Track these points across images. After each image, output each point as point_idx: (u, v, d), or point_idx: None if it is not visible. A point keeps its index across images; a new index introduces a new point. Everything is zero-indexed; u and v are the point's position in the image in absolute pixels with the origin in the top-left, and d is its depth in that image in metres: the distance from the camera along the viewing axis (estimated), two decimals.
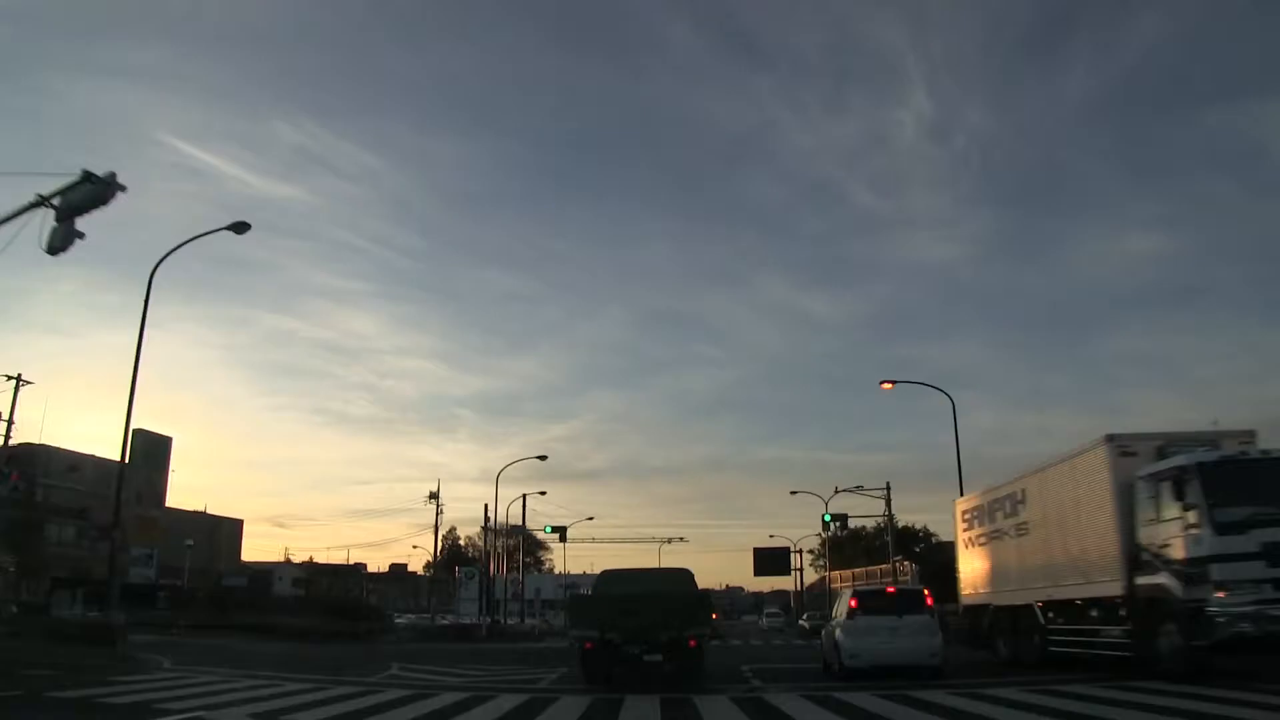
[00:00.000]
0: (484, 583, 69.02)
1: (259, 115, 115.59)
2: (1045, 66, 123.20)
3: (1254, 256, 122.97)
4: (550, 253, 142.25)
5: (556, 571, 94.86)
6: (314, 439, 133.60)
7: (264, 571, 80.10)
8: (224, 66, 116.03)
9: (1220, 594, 10.73)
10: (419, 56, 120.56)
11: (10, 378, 34.07)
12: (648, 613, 13.84)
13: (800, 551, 70.76)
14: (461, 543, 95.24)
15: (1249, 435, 13.62)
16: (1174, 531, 11.72)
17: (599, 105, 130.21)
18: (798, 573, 71.21)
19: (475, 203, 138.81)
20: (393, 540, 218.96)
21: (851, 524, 57.54)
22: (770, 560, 68.01)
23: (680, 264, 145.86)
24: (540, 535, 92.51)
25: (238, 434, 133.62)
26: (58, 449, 55.26)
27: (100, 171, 14.04)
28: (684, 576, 16.14)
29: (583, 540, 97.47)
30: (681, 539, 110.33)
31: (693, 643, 13.87)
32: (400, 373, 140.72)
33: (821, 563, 69.23)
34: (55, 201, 13.85)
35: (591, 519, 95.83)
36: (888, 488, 46.00)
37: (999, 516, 18.37)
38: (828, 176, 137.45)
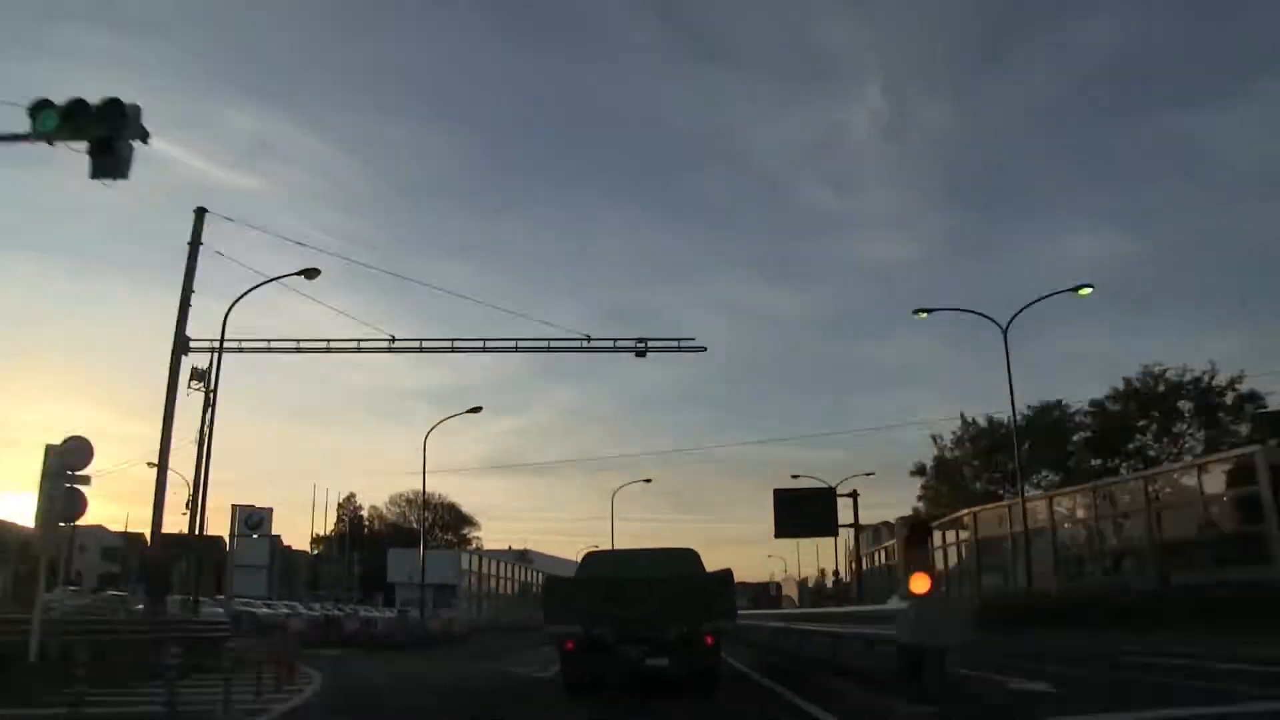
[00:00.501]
0: (351, 561, 61.79)
1: (211, 102, 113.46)
2: (999, 67, 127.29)
3: (1206, 261, 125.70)
4: (505, 244, 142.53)
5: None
6: (266, 429, 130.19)
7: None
8: (175, 52, 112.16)
9: None
10: (373, 44, 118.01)
11: None
12: (651, 600, 10.36)
13: (855, 496, 41.36)
14: (365, 514, 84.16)
15: None
16: None
17: (555, 97, 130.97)
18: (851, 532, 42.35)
19: (430, 193, 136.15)
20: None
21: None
22: (801, 509, 39.54)
23: (635, 258, 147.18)
24: (465, 509, 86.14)
25: (191, 424, 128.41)
26: None
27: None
28: (689, 556, 12.61)
29: (530, 533, 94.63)
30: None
31: (710, 640, 10.40)
32: (353, 364, 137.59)
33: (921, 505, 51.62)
34: None
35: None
36: None
37: None
38: (782, 173, 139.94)
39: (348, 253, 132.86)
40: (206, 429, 21.45)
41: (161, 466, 19.30)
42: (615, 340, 26.37)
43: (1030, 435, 42.28)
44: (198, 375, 22.06)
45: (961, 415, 49.95)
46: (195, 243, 20.81)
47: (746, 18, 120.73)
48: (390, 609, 48.12)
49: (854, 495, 40.80)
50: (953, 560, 42.31)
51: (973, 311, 32.10)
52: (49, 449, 10.78)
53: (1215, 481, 25.42)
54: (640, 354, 25.25)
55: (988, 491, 45.92)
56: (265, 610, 35.33)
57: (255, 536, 53.84)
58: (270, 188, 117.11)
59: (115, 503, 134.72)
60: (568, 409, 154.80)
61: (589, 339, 25.87)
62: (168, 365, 19.98)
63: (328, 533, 69.46)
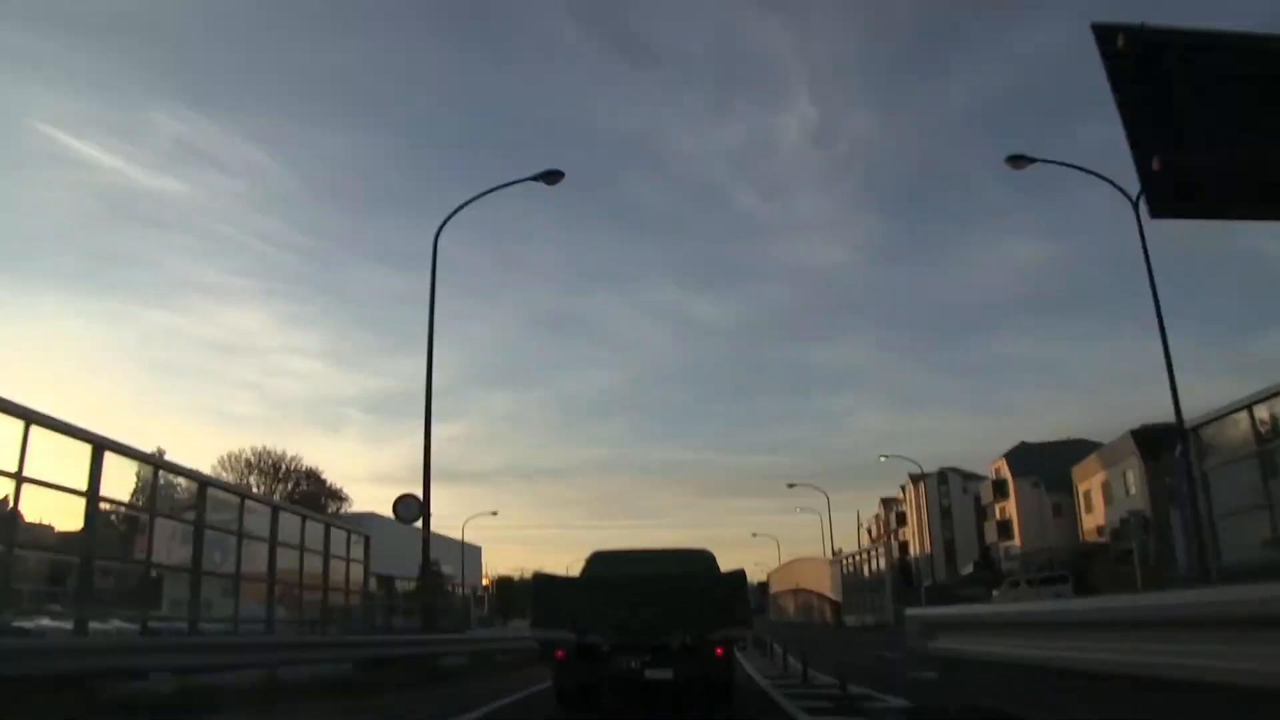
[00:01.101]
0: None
1: (137, 105, 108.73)
2: (928, 74, 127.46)
3: (1127, 266, 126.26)
4: (438, 251, 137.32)
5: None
6: (196, 439, 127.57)
7: None
8: (101, 54, 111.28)
9: None
10: (303, 48, 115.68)
11: None
12: (652, 605, 9.13)
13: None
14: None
15: None
16: None
17: (485, 102, 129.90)
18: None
19: (361, 199, 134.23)
20: None
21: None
22: None
23: (567, 264, 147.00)
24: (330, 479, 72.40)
25: (118, 431, 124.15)
26: None
27: None
28: (702, 558, 11.39)
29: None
30: None
31: (719, 651, 9.16)
32: (286, 371, 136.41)
33: None
34: None
35: (495, 514, 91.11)
36: None
37: None
38: (713, 179, 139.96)
39: (280, 259, 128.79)
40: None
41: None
42: None
43: None
44: None
45: None
46: None
47: (676, 24, 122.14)
48: None
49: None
50: None
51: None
52: None
53: None
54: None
55: None
56: None
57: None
58: (198, 193, 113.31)
59: None
60: (501, 416, 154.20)
61: None
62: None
63: None
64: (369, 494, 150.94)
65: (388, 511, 22.15)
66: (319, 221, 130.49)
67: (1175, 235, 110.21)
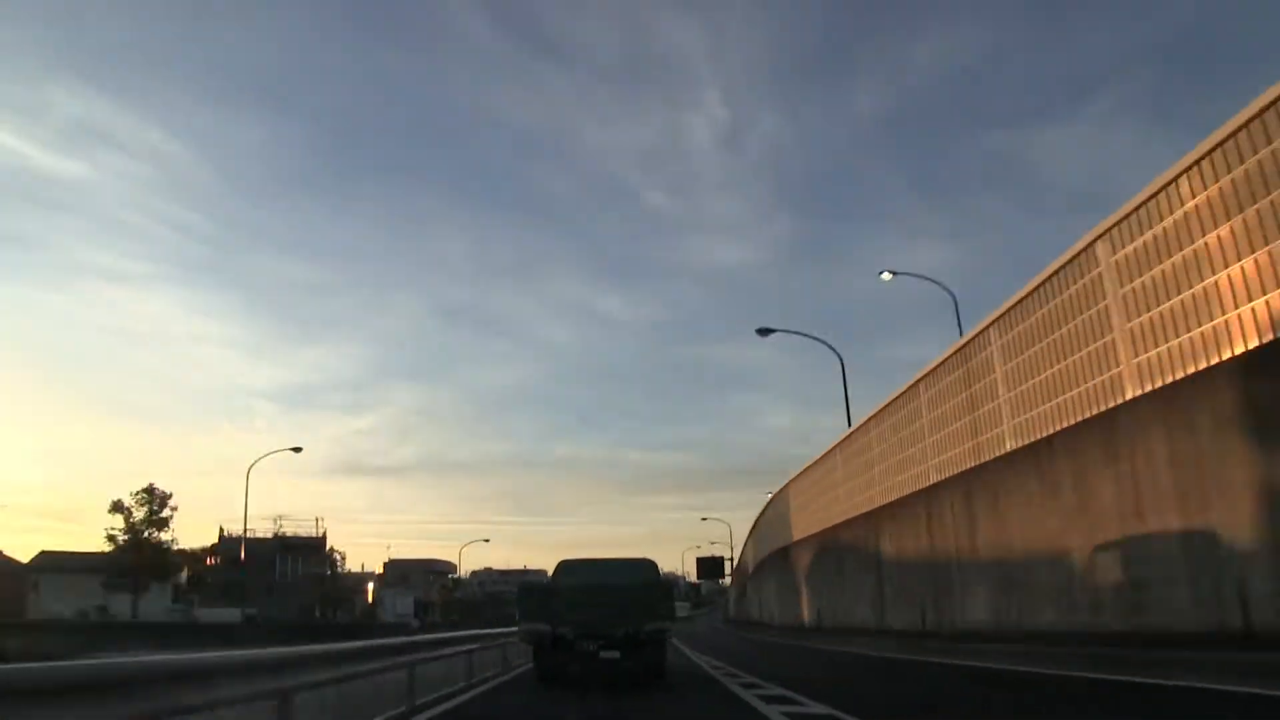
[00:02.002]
0: None
1: (34, 81, 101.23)
2: (836, 79, 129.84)
3: (1029, 273, 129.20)
4: (345, 242, 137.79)
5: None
6: (102, 429, 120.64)
7: None
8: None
9: None
10: (209, 32, 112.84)
11: None
12: (603, 605, 12.68)
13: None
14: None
15: None
16: None
17: (393, 92, 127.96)
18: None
19: (267, 187, 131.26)
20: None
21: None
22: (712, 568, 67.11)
23: (475, 258, 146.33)
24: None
25: (17, 423, 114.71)
26: None
27: None
28: (646, 566, 14.96)
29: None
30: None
31: (650, 638, 12.76)
32: (194, 361, 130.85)
33: None
34: None
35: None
36: None
37: None
38: (623, 177, 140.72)
39: (182, 245, 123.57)
40: None
41: None
42: None
43: None
44: None
45: None
46: None
47: (586, 20, 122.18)
48: None
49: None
50: None
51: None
52: None
53: None
54: None
55: None
56: None
57: None
58: (99, 176, 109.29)
59: None
60: (412, 409, 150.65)
61: None
62: None
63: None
64: None
65: None
66: (226, 208, 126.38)
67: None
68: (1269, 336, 8.99)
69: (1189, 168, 10.42)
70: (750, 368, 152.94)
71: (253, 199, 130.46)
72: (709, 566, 67.01)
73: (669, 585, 13.85)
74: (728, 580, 73.42)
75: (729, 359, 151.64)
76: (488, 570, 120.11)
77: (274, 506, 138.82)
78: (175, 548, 58.86)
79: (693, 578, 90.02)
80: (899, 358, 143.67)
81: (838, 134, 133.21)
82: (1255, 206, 9.24)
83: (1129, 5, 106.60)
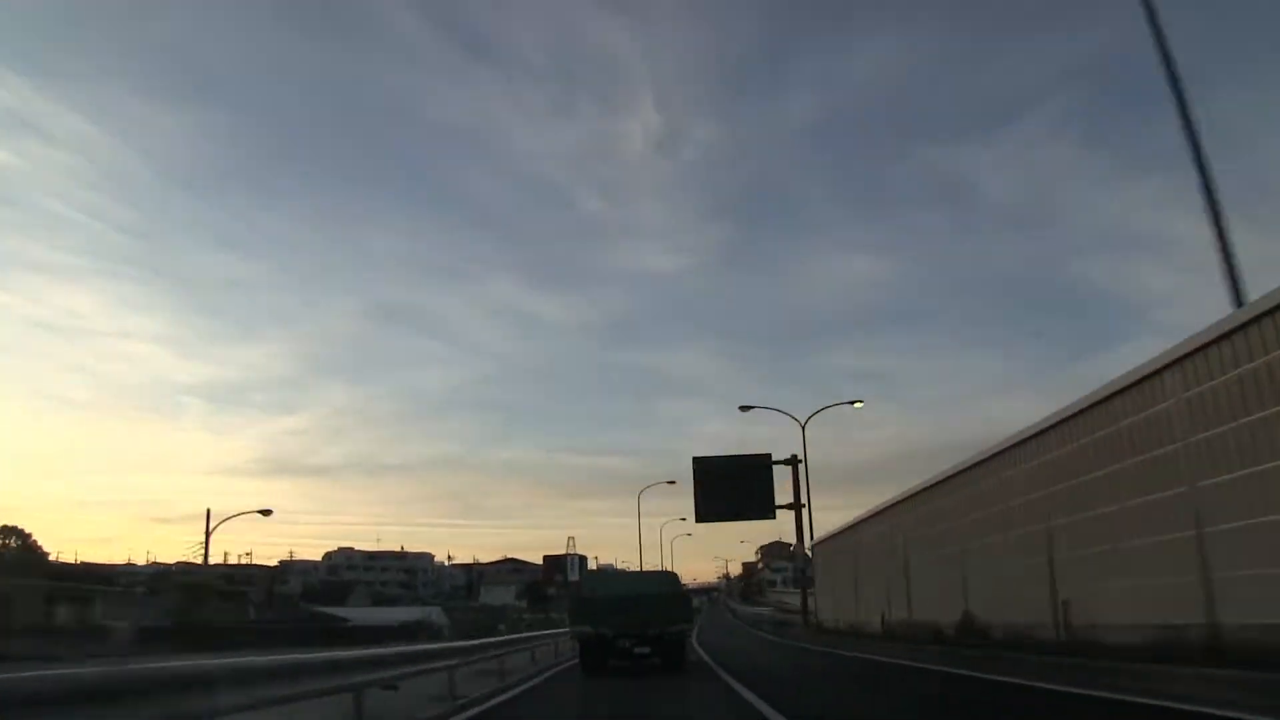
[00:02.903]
0: None
1: None
2: (769, 88, 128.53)
3: (962, 288, 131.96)
4: (276, 237, 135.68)
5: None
6: (29, 424, 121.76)
7: None
8: None
9: None
10: (139, 22, 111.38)
11: None
12: (637, 611, 15.97)
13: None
14: None
15: None
16: None
17: (326, 87, 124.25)
18: None
19: (198, 181, 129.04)
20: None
21: None
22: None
23: (409, 257, 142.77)
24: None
25: None
26: None
27: None
28: (670, 578, 18.29)
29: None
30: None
31: (674, 637, 16.02)
32: (121, 356, 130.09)
33: None
34: None
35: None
36: None
37: None
38: (555, 180, 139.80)
39: (113, 238, 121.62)
40: None
41: None
42: None
43: None
44: None
45: None
46: None
47: (517, 20, 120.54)
48: None
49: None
50: None
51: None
52: None
53: None
54: None
55: None
56: None
57: None
58: (21, 164, 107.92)
59: None
60: (343, 409, 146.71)
61: None
62: None
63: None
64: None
65: None
66: (155, 201, 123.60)
67: (1016, 261, 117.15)
68: None
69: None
70: (685, 374, 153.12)
71: (182, 192, 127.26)
72: None
73: (688, 594, 17.18)
74: None
75: (663, 365, 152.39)
76: (345, 551, 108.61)
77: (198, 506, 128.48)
78: None
79: None
80: (832, 365, 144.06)
81: (771, 143, 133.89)
82: None
83: (1060, 25, 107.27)
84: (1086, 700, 9.07)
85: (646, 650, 15.83)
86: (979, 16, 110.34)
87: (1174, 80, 12.93)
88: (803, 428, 37.28)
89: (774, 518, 38.06)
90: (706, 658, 19.96)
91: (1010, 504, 17.46)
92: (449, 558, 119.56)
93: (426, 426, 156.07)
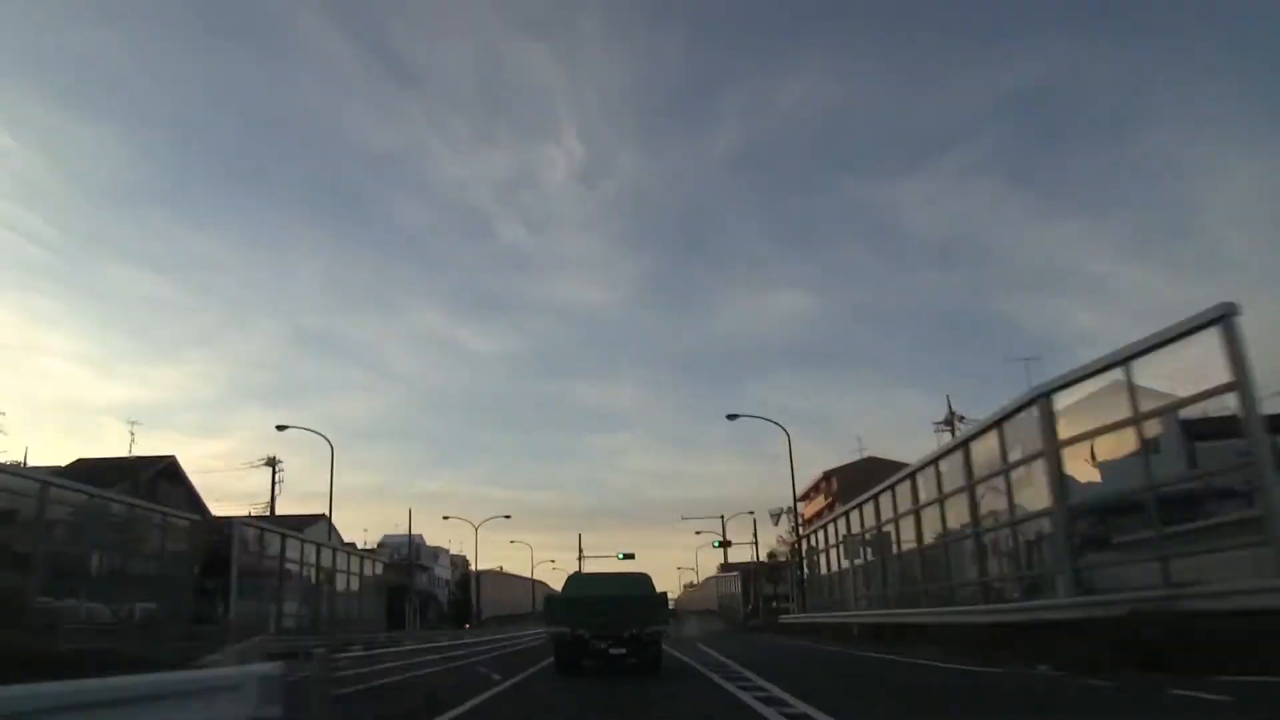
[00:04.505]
0: None
1: None
2: (695, 120, 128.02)
3: (890, 322, 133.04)
4: (199, 258, 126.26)
5: None
6: None
7: None
8: None
9: None
10: (55, 29, 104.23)
11: None
12: (613, 612, 16.04)
13: None
14: None
15: None
16: None
17: (250, 110, 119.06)
18: None
19: (117, 196, 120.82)
20: None
21: None
22: None
23: (331, 282, 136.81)
24: None
25: None
26: None
27: None
28: (644, 579, 18.37)
29: None
30: None
31: (649, 637, 16.12)
32: (34, 374, 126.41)
33: None
34: None
35: None
36: None
37: None
38: (479, 208, 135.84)
39: (25, 251, 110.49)
40: None
41: None
42: None
43: None
44: None
45: None
46: None
47: (439, 44, 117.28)
48: None
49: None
50: None
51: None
52: None
53: None
54: None
55: None
56: None
57: None
58: None
59: None
60: (268, 436, 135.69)
61: None
62: None
63: None
64: None
65: None
66: (72, 215, 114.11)
67: (943, 297, 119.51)
68: None
69: None
70: (615, 407, 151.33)
71: (101, 207, 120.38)
72: None
73: (663, 596, 17.25)
74: None
75: (592, 397, 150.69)
76: None
77: None
78: None
79: None
80: (761, 399, 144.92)
81: (698, 175, 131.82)
82: None
83: (986, 62, 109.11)
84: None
85: (622, 651, 15.89)
86: (907, 52, 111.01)
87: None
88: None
89: None
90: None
91: None
92: None
93: (350, 455, 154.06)
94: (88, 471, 36.10)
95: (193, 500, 43.29)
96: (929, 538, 23.13)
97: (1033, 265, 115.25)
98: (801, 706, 9.57)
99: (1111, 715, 8.81)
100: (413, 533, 67.87)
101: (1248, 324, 11.25)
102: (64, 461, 42.90)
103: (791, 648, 26.48)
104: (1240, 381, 11.21)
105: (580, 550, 45.83)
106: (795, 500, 49.29)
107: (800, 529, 50.34)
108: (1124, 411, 13.67)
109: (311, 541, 33.30)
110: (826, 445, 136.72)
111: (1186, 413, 13.36)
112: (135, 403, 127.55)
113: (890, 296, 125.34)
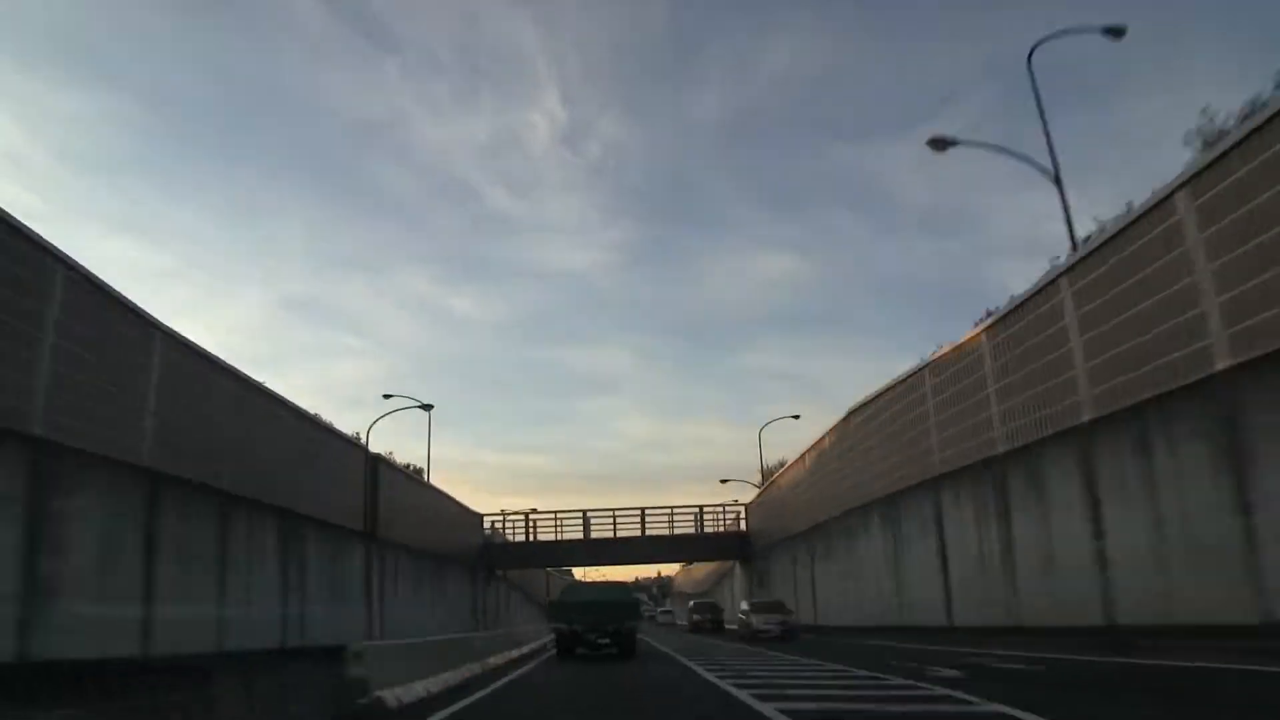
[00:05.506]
0: None
1: None
2: (678, 84, 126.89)
3: (879, 288, 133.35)
4: (182, 227, 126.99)
5: None
6: None
7: None
8: None
9: None
10: (38, 3, 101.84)
11: None
12: (600, 612, 21.39)
13: None
14: None
15: None
16: None
17: (228, 77, 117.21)
18: None
19: (99, 165, 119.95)
20: None
21: None
22: None
23: (317, 248, 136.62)
24: None
25: None
26: None
27: None
28: (624, 588, 24.04)
29: None
30: None
31: (627, 632, 21.61)
32: None
33: None
34: None
35: None
36: None
37: None
38: (462, 172, 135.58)
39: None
40: None
41: None
42: None
43: None
44: None
45: None
46: None
47: (420, 9, 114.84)
48: None
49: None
50: None
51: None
52: None
53: None
54: None
55: None
56: None
57: None
58: None
59: None
60: None
61: None
62: None
63: None
64: None
65: None
66: (50, 184, 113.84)
67: (933, 263, 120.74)
68: None
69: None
70: (604, 372, 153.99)
71: (83, 176, 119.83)
72: None
73: (639, 600, 22.87)
74: None
75: (582, 363, 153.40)
76: None
77: None
78: None
79: None
80: (750, 365, 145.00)
81: (682, 138, 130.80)
82: None
83: (973, 27, 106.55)
84: None
85: (606, 641, 21.31)
86: (896, 14, 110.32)
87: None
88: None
89: None
90: None
91: None
92: None
93: (342, 422, 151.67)
94: None
95: None
96: None
97: (1022, 231, 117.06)
98: None
99: None
100: None
101: None
102: None
103: None
104: None
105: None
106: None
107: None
108: None
109: None
110: (820, 408, 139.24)
111: None
112: None
113: (879, 262, 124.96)
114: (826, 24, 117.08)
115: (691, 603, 53.21)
